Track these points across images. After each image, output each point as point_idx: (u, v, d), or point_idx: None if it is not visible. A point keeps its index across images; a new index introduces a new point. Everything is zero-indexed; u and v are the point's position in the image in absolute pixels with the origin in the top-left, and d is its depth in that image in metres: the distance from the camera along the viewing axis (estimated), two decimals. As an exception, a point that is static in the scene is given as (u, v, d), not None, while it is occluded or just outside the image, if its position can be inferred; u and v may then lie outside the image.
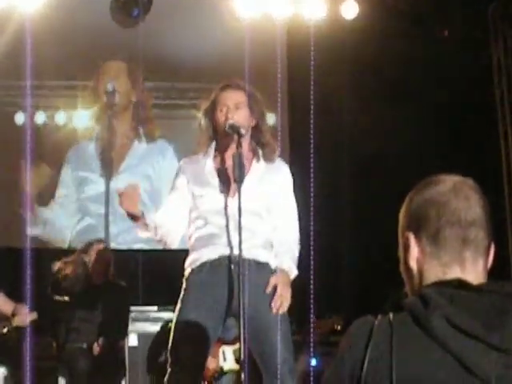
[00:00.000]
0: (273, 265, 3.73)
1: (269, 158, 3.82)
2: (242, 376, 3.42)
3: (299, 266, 3.80)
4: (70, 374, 6.11)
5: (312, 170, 5.81)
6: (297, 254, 3.80)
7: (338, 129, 7.87)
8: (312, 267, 4.67)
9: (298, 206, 3.90)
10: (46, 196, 7.97)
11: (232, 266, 3.63)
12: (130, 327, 6.47)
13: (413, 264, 1.62)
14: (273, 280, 3.64)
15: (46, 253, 7.37)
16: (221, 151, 3.82)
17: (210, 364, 5.35)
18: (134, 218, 3.58)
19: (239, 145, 3.59)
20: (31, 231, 7.51)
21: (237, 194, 3.56)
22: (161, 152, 8.18)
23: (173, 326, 3.67)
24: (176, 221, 3.77)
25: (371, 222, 7.22)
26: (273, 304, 3.59)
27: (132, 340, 6.57)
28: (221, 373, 5.19)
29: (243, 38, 6.30)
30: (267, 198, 3.78)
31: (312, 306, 5.19)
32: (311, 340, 5.63)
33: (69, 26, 7.65)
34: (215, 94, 3.82)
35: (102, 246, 6.45)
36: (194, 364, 3.63)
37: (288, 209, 3.85)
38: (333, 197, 7.66)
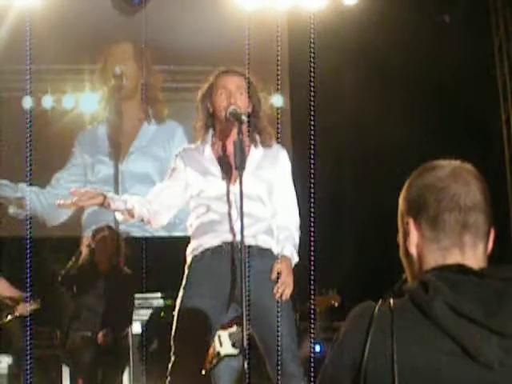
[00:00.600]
0: (275, 251, 3.73)
1: (266, 144, 3.81)
2: (245, 365, 3.42)
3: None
4: (73, 362, 6.10)
5: (312, 155, 5.80)
6: (297, 240, 3.81)
7: (340, 115, 7.86)
8: (312, 255, 4.68)
9: (298, 188, 3.91)
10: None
11: (234, 253, 3.63)
12: (134, 315, 6.47)
13: (413, 249, 1.62)
14: (276, 267, 3.64)
15: (50, 241, 7.38)
16: (221, 137, 3.80)
17: None
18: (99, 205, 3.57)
19: (240, 131, 3.58)
20: (29, 213, 7.53)
21: (238, 181, 3.55)
22: (171, 133, 8.18)
23: (176, 313, 3.67)
24: (167, 201, 3.74)
25: (371, 202, 7.23)
26: (275, 290, 3.60)
27: (136, 328, 6.58)
28: (218, 358, 5.16)
29: (245, 24, 6.30)
30: (267, 183, 3.77)
31: (312, 294, 5.19)
32: (311, 326, 5.62)
33: (74, 12, 7.67)
34: (213, 79, 3.80)
35: (106, 232, 6.41)
36: (198, 352, 3.64)
37: (287, 194, 3.85)
38: (333, 179, 7.67)
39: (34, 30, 6.78)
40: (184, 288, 3.69)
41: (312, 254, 5.19)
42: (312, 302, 5.84)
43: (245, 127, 3.69)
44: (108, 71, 8.05)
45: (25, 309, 5.87)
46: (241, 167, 3.51)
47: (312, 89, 6.52)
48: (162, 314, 6.58)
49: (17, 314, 6.01)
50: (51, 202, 7.79)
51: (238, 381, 5.10)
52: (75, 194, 3.49)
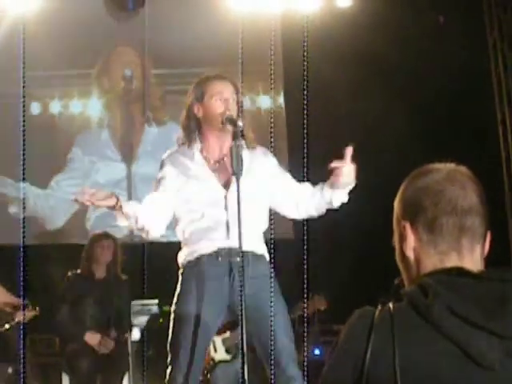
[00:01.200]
0: (267, 258, 3.77)
1: (250, 146, 3.83)
2: (244, 369, 3.41)
3: (288, 250, 3.83)
4: (72, 370, 6.10)
5: (307, 157, 5.80)
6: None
7: (334, 117, 7.86)
8: (305, 256, 4.68)
9: None
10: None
11: (231, 258, 3.63)
12: (134, 321, 6.45)
13: (410, 253, 1.62)
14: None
15: (52, 248, 7.38)
16: (212, 143, 3.80)
17: None
18: (110, 207, 3.54)
19: (236, 137, 3.58)
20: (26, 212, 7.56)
21: (234, 186, 3.55)
22: (171, 136, 8.21)
23: (171, 320, 3.66)
24: (161, 211, 3.72)
25: (368, 203, 7.22)
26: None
27: (135, 334, 6.56)
28: (213, 364, 5.15)
29: (239, 26, 6.31)
30: (261, 184, 3.79)
31: (306, 297, 5.19)
32: (305, 330, 5.62)
33: (71, 16, 7.71)
34: (205, 84, 3.81)
35: (104, 240, 6.41)
36: (195, 359, 3.63)
37: (291, 180, 3.89)
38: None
39: (38, 35, 6.85)
40: (179, 294, 3.68)
41: (305, 256, 5.19)
42: (305, 305, 5.84)
43: (240, 132, 3.69)
44: (115, 73, 8.08)
45: (23, 316, 5.85)
46: (238, 172, 3.51)
47: (306, 90, 6.52)
48: (161, 320, 6.56)
49: (15, 321, 6.00)
50: (52, 204, 7.83)
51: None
52: (86, 193, 3.46)
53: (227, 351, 5.11)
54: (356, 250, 7.58)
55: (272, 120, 7.17)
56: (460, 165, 1.66)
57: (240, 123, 3.61)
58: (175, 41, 7.92)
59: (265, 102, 8.12)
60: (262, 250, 3.77)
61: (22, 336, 5.04)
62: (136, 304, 6.53)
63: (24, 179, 7.07)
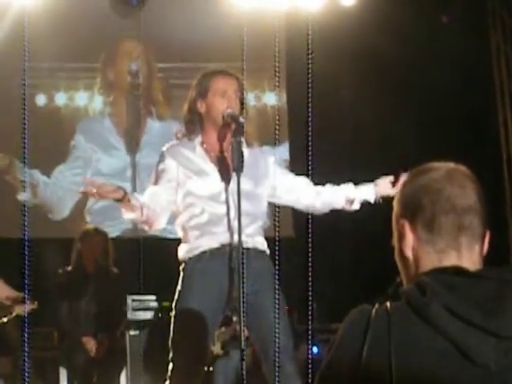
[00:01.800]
0: (268, 253, 3.78)
1: (249, 143, 3.83)
2: (242, 365, 3.42)
3: (288, 248, 3.85)
4: (69, 365, 6.12)
5: (310, 154, 5.79)
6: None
7: (337, 115, 7.86)
8: (310, 254, 4.67)
9: None
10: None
11: (233, 255, 3.63)
12: (131, 316, 6.45)
13: (408, 252, 1.62)
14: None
15: (47, 242, 7.37)
16: (213, 138, 3.79)
17: None
18: (118, 199, 3.53)
19: (238, 133, 3.58)
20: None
21: (235, 181, 3.55)
22: (175, 129, 8.22)
23: (173, 316, 3.66)
24: (163, 203, 3.71)
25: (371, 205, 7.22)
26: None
27: (133, 329, 6.56)
28: (212, 358, 5.15)
29: (243, 23, 6.30)
30: (261, 179, 3.80)
31: (311, 294, 5.17)
32: (309, 328, 5.61)
33: (74, 11, 7.72)
34: (209, 79, 3.80)
35: (94, 234, 6.41)
36: (197, 355, 3.63)
37: (290, 174, 3.94)
38: (331, 177, 7.67)
39: (43, 28, 6.87)
40: (180, 290, 3.68)
41: (310, 255, 5.18)
42: (310, 304, 5.83)
43: (241, 129, 3.69)
44: (122, 67, 8.10)
45: (22, 309, 5.85)
46: (239, 168, 3.51)
47: (310, 88, 6.52)
48: (160, 315, 6.56)
49: (14, 314, 6.00)
50: (60, 194, 7.85)
51: (233, 382, 5.10)
52: (93, 185, 3.46)
53: (222, 346, 5.12)
54: (356, 250, 7.58)
55: (278, 117, 7.18)
56: (461, 165, 1.65)
57: (241, 120, 3.61)
58: (178, 36, 7.92)
59: (269, 99, 8.14)
60: (263, 245, 3.77)
61: (25, 330, 5.04)
62: (133, 299, 6.54)
63: (25, 165, 7.11)
